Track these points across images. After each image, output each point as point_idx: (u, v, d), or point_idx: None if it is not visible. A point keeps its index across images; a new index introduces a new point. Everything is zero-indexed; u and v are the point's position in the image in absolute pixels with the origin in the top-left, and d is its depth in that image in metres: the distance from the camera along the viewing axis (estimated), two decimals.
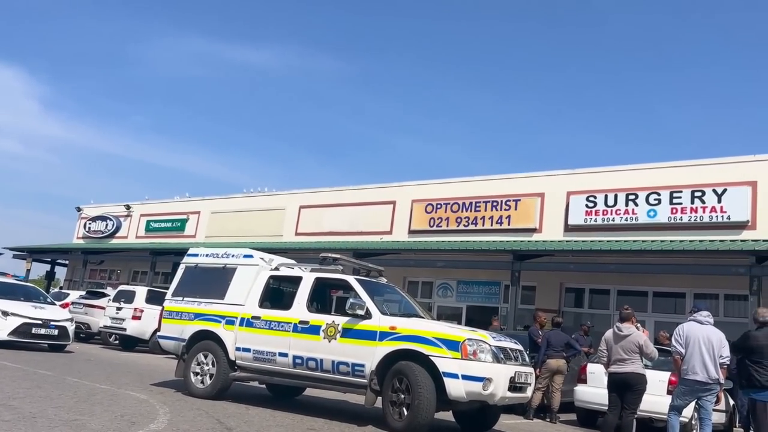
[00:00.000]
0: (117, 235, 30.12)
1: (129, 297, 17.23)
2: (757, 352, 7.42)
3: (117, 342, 17.66)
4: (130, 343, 17.16)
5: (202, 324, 8.94)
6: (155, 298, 16.26)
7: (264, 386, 9.89)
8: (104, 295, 19.32)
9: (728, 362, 7.57)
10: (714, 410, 7.82)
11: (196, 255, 9.92)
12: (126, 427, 5.91)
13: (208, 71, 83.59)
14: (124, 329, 16.75)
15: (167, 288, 10.45)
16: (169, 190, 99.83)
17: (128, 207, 30.17)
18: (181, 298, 9.43)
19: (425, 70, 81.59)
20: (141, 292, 17.52)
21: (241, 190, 31.77)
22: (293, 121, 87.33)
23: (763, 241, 13.95)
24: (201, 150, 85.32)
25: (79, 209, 32.78)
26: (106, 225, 30.47)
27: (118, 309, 16.94)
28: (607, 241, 15.82)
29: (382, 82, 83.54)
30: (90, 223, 31.19)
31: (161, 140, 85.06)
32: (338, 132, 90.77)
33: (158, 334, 9.84)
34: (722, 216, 14.89)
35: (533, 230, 17.71)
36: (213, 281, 9.29)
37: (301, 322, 8.12)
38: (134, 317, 16.64)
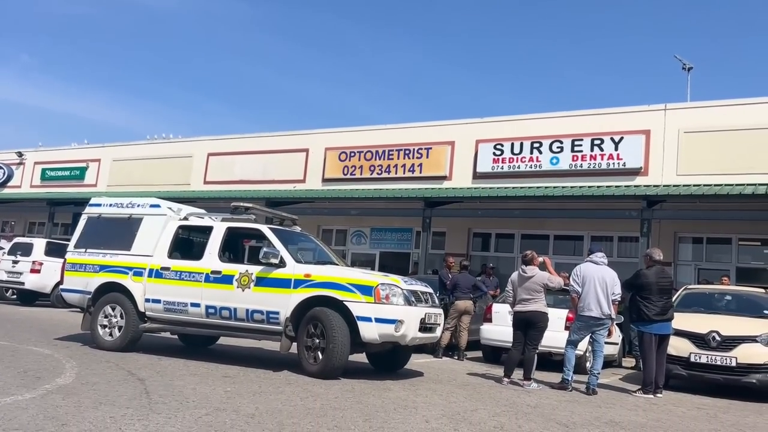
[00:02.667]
0: (9, 184, 28.18)
1: (26, 249, 16.36)
2: (646, 289, 8.09)
3: (14, 297, 16.81)
4: (29, 298, 16.40)
5: (108, 276, 8.68)
6: (55, 251, 15.55)
7: (176, 337, 9.78)
8: None
9: (620, 299, 8.21)
10: (606, 343, 8.50)
11: (98, 205, 9.54)
12: (31, 383, 5.72)
13: (98, 8, 77.98)
14: (22, 283, 15.97)
15: (68, 240, 10.01)
16: (64, 137, 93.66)
17: (20, 154, 28.20)
18: (84, 250, 9.08)
19: (332, 16, 79.90)
20: (39, 244, 16.65)
21: (144, 136, 30.40)
22: (195, 66, 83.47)
23: (654, 186, 14.95)
24: (96, 94, 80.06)
25: None
26: None
27: (15, 262, 16.08)
28: (513, 187, 16.43)
29: (289, 27, 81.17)
30: None
31: (52, 83, 78.99)
32: (244, 78, 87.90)
33: (61, 287, 9.47)
34: (618, 163, 15.77)
35: (444, 178, 18.09)
36: (118, 232, 9.00)
37: (213, 272, 8.04)
38: (33, 270, 15.86)
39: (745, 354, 8.32)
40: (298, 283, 7.54)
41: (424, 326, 7.63)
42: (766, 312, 9.52)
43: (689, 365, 8.59)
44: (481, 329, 10.94)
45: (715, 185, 13.98)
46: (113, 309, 8.50)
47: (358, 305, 7.21)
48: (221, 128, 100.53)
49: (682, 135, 15.30)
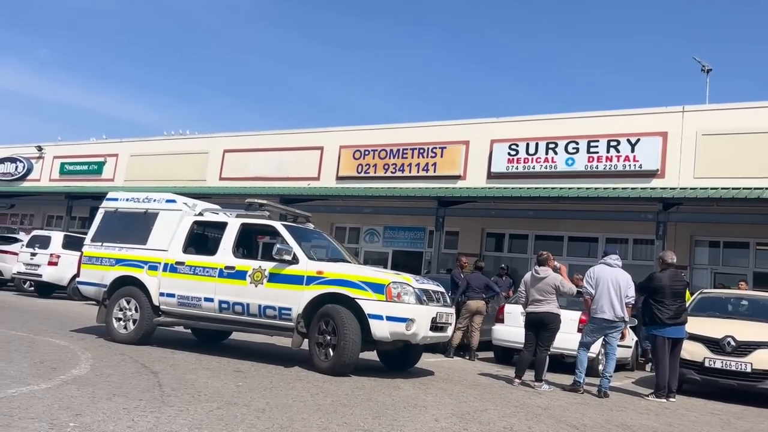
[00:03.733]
0: (29, 177, 28.56)
1: (44, 242, 16.57)
2: (659, 292, 8.03)
3: (32, 289, 17.02)
4: (46, 290, 16.61)
5: (123, 269, 8.76)
6: (72, 244, 15.75)
7: (190, 331, 9.86)
8: (17, 240, 18.45)
9: (633, 301, 8.15)
10: (619, 346, 8.44)
11: (115, 199, 9.63)
12: (46, 373, 5.80)
13: (118, 3, 79.05)
14: (40, 275, 16.17)
15: (85, 233, 10.13)
16: (83, 132, 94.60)
17: (40, 148, 28.54)
18: (100, 244, 9.19)
19: (347, 12, 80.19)
20: (57, 237, 16.87)
21: (161, 132, 30.61)
22: (212, 62, 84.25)
23: (671, 189, 14.82)
24: (114, 89, 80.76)
25: None
26: (16, 167, 28.79)
27: (33, 255, 16.29)
28: (527, 188, 16.36)
29: (305, 23, 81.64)
30: None
31: (72, 77, 79.87)
32: (260, 74, 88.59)
33: (77, 279, 9.58)
34: (635, 165, 15.65)
35: (458, 177, 18.07)
36: (134, 226, 9.09)
37: (227, 268, 8.09)
38: (50, 263, 16.06)
39: (760, 360, 8.22)
40: (311, 280, 7.57)
41: (436, 325, 7.63)
42: None
43: (703, 370, 8.51)
44: (493, 330, 10.91)
45: (733, 188, 13.82)
46: (128, 302, 8.58)
47: (369, 303, 7.23)
48: (237, 124, 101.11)
49: (700, 137, 15.15)
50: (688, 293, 10.06)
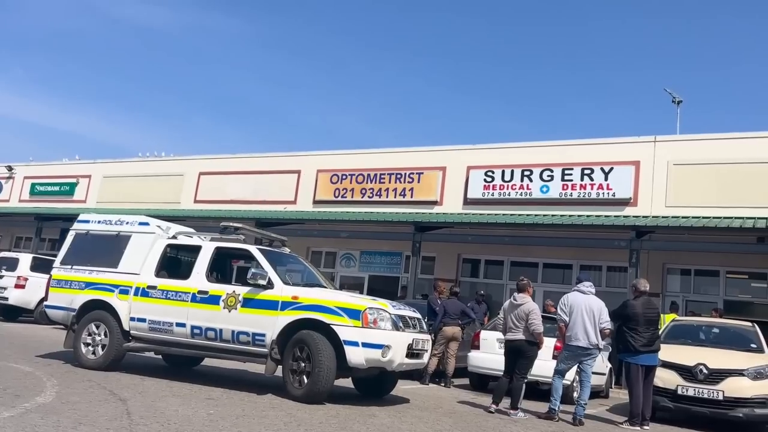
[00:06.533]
0: None
1: (11, 264, 16.18)
2: (633, 320, 8.08)
3: None
4: (12, 314, 16.16)
5: (93, 293, 8.58)
6: (41, 266, 15.39)
7: (160, 357, 9.65)
8: None
9: (610, 326, 8.14)
10: (593, 373, 8.45)
11: (87, 221, 9.47)
12: (9, 401, 5.61)
13: (94, 24, 78.73)
14: (6, 298, 15.75)
15: (55, 255, 9.92)
16: (55, 152, 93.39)
17: (10, 168, 28.03)
18: (70, 266, 9.00)
19: (329, 34, 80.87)
20: (25, 259, 16.49)
21: (135, 154, 30.26)
22: (188, 81, 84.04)
23: (643, 217, 15.04)
24: (89, 110, 79.90)
25: None
26: None
27: None
28: (503, 214, 16.48)
29: (285, 44, 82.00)
30: None
31: (45, 97, 78.92)
32: (237, 94, 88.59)
33: (45, 303, 9.34)
34: (608, 193, 15.88)
35: (435, 203, 18.14)
36: (105, 249, 8.92)
37: (200, 292, 7.97)
38: (17, 286, 15.67)
39: (731, 387, 8.30)
40: (286, 305, 7.48)
41: (412, 352, 7.57)
42: (753, 345, 9.55)
43: (676, 397, 8.57)
44: (469, 356, 10.87)
45: (704, 218, 14.08)
46: (97, 327, 8.39)
47: (345, 329, 7.15)
48: (214, 146, 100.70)
49: (672, 167, 15.45)
50: (662, 319, 10.15)
